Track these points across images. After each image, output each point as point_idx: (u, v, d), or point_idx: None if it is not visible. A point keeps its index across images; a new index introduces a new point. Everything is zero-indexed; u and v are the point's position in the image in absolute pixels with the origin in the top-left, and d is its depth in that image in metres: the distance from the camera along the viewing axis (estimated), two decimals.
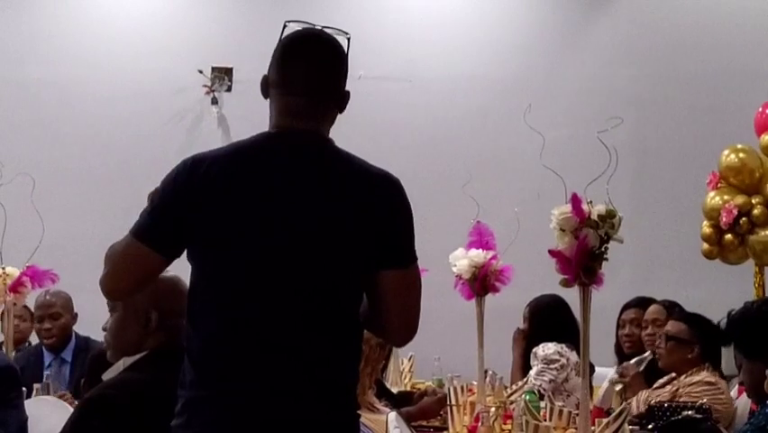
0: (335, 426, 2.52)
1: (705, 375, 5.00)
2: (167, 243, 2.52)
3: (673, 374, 5.10)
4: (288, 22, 2.65)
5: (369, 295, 2.59)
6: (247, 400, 2.45)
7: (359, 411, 2.64)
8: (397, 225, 2.56)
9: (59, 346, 5.92)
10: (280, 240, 2.48)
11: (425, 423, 5.24)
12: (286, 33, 2.65)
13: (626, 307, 5.97)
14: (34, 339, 6.20)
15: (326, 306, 2.50)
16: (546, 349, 5.43)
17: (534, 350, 5.49)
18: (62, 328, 5.73)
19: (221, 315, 2.50)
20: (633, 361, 5.42)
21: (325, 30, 2.65)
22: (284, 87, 2.60)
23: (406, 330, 2.64)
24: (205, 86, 8.15)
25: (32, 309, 6.02)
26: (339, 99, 2.63)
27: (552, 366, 5.36)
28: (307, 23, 2.66)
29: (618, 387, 5.32)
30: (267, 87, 2.64)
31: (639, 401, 5.02)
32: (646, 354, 5.43)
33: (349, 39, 2.66)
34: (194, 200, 2.49)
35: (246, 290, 2.48)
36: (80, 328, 6.06)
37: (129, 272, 2.57)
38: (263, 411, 2.45)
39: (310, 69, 2.59)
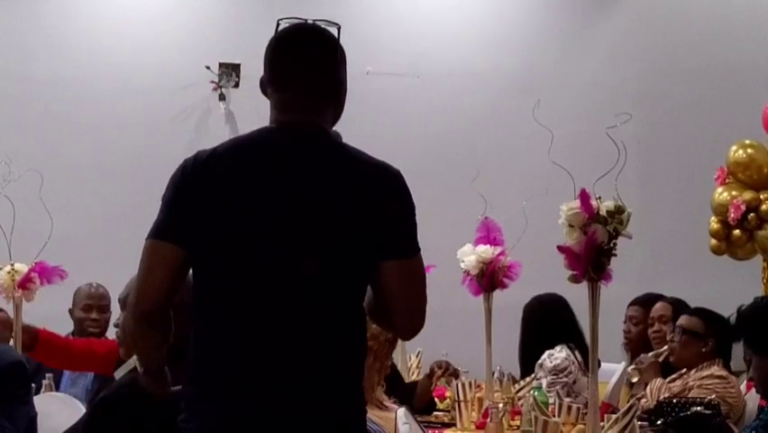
0: (339, 422, 2.50)
1: (716, 369, 4.99)
2: (184, 234, 2.50)
3: (684, 370, 5.09)
4: (281, 20, 2.66)
5: (373, 287, 2.56)
6: (246, 395, 2.45)
7: (366, 408, 2.63)
8: (395, 215, 2.52)
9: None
10: (278, 232, 2.47)
11: (433, 419, 5.25)
12: (279, 31, 2.66)
13: (630, 303, 5.96)
14: None
15: (327, 297, 2.48)
16: (554, 360, 5.33)
17: (539, 362, 5.38)
18: (106, 323, 5.67)
19: (220, 311, 2.50)
20: (650, 354, 5.39)
21: (316, 23, 2.65)
22: (278, 84, 2.63)
23: (411, 323, 2.60)
24: (213, 82, 8.14)
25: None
26: (335, 90, 2.64)
27: (561, 375, 5.31)
28: (299, 18, 2.66)
29: (635, 379, 5.29)
30: (265, 86, 2.66)
31: (653, 390, 5.00)
32: (664, 348, 5.37)
33: (339, 28, 2.65)
34: (197, 197, 2.50)
35: (245, 284, 2.48)
36: None
37: (157, 275, 2.52)
38: (262, 407, 2.44)
39: (301, 65, 2.60)
